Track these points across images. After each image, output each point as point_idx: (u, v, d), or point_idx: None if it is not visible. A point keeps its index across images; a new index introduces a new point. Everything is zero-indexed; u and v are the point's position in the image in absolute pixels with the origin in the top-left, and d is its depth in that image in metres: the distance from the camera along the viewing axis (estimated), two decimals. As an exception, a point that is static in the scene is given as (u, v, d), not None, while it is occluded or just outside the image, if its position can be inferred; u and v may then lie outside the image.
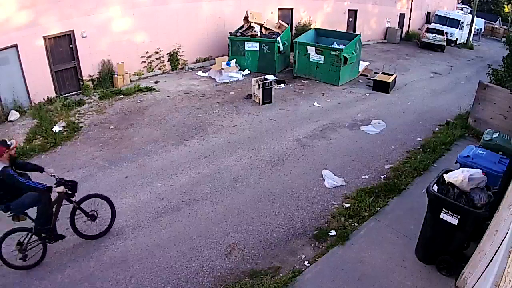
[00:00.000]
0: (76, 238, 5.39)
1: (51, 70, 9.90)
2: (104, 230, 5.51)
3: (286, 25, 14.19)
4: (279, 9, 16.34)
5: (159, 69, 12.77)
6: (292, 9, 16.94)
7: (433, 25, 23.20)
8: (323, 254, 5.19)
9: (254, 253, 5.22)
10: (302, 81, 12.82)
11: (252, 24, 13.37)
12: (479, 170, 4.73)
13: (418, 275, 4.80)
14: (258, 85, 10.45)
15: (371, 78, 13.11)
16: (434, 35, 21.31)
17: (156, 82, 11.81)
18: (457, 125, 9.50)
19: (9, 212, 4.72)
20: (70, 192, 4.92)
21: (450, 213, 4.50)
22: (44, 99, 9.64)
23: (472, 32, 26.70)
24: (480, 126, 9.07)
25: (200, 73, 13.01)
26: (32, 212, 4.87)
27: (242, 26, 13.56)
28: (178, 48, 12.99)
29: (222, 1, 14.11)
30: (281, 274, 4.84)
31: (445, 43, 21.51)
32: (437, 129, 9.52)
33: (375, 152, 8.17)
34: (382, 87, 12.37)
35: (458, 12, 27.40)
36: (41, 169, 4.99)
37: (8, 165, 4.48)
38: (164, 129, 8.81)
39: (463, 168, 4.86)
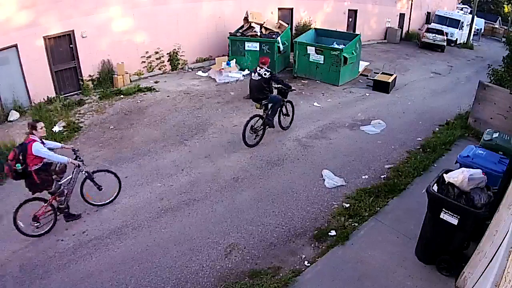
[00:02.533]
0: (77, 238, 5.40)
1: (51, 70, 9.90)
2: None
3: (286, 25, 14.19)
4: (279, 9, 16.33)
5: (159, 69, 12.77)
6: (292, 9, 16.94)
7: (433, 25, 23.19)
8: (323, 254, 5.19)
9: (254, 253, 5.23)
10: (302, 81, 12.81)
11: (252, 24, 13.36)
12: (479, 170, 4.74)
13: (418, 275, 4.80)
14: (258, 85, 10.47)
15: (371, 78, 13.11)
16: (434, 35, 21.30)
17: (156, 82, 11.81)
18: (457, 125, 9.49)
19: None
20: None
21: (450, 213, 4.50)
22: (44, 99, 9.64)
23: (472, 32, 26.69)
24: (480, 126, 9.07)
25: (200, 73, 13.01)
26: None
27: (242, 26, 13.56)
28: (178, 48, 12.99)
29: (222, 1, 14.11)
30: (281, 274, 4.84)
31: (445, 43, 21.50)
32: (437, 129, 9.51)
33: (375, 152, 8.17)
34: (382, 87, 12.37)
35: (458, 12, 27.40)
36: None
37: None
38: (164, 129, 8.81)
39: (463, 168, 4.86)
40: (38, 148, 5.08)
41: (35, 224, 5.37)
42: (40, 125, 5.26)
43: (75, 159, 5.59)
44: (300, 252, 5.28)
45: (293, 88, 8.65)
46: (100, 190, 5.95)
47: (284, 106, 8.58)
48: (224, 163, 7.46)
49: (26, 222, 5.31)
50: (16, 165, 5.04)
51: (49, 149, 5.29)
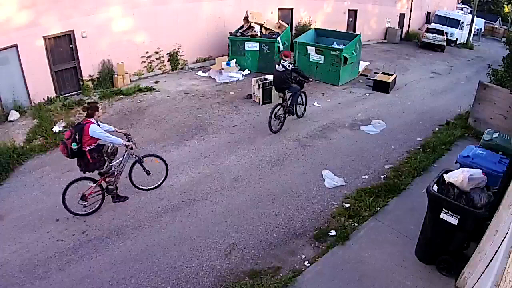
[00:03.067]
0: (77, 238, 5.40)
1: (51, 70, 9.90)
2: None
3: (286, 25, 14.18)
4: (279, 9, 16.33)
5: (159, 69, 12.77)
6: (292, 9, 16.94)
7: (433, 25, 23.19)
8: (323, 254, 5.19)
9: (254, 253, 5.23)
10: (302, 81, 12.81)
11: (252, 24, 13.37)
12: (479, 170, 4.73)
13: (418, 275, 4.80)
14: (258, 85, 10.45)
15: (371, 78, 13.10)
16: (434, 35, 21.30)
17: (156, 82, 11.81)
18: (457, 125, 9.50)
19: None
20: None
21: (450, 213, 4.50)
22: (44, 99, 9.64)
23: (472, 32, 26.69)
24: (480, 126, 9.07)
25: (200, 73, 13.01)
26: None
27: (242, 26, 13.56)
28: (178, 48, 12.99)
29: (222, 1, 14.11)
30: (281, 274, 4.84)
31: (445, 43, 21.49)
32: (437, 129, 9.51)
33: (375, 152, 8.17)
34: (382, 87, 12.36)
35: (458, 12, 27.40)
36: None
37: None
38: (164, 129, 8.81)
39: (463, 168, 4.86)
40: (94, 130, 5.38)
41: (83, 203, 5.68)
42: (99, 108, 5.64)
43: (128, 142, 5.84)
44: (300, 252, 5.27)
45: (310, 79, 9.29)
46: (148, 174, 6.23)
47: (300, 96, 9.25)
48: (224, 163, 7.46)
49: (74, 201, 5.60)
50: (72, 144, 5.31)
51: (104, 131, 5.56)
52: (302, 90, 9.19)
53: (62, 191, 5.55)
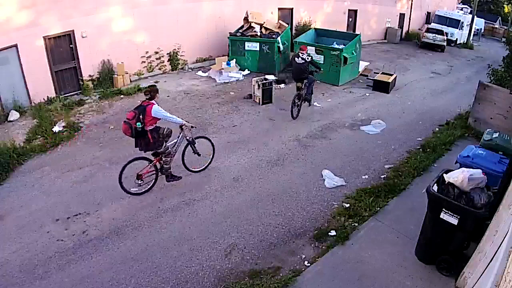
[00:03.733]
0: (77, 238, 5.40)
1: (51, 70, 9.90)
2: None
3: (286, 25, 14.18)
4: (279, 9, 16.33)
5: (159, 69, 12.77)
6: (292, 9, 16.94)
7: (433, 25, 23.18)
8: (323, 254, 5.19)
9: (254, 253, 5.23)
10: (302, 81, 12.80)
11: (252, 24, 13.37)
12: (479, 170, 4.73)
13: (418, 275, 4.80)
14: (258, 85, 10.45)
15: (371, 78, 13.11)
16: (434, 35, 21.30)
17: (156, 82, 11.78)
18: (457, 125, 9.50)
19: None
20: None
21: (450, 213, 4.50)
22: (44, 99, 9.64)
23: (472, 32, 26.69)
24: (480, 126, 9.07)
25: (200, 73, 13.01)
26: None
27: (242, 26, 13.56)
28: (178, 48, 12.99)
29: (222, 1, 14.11)
30: (281, 274, 4.84)
31: (445, 43, 21.49)
32: (437, 129, 9.52)
33: (375, 152, 8.17)
34: (382, 87, 12.36)
35: (458, 12, 27.40)
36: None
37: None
38: (164, 129, 8.81)
39: (463, 168, 4.86)
40: (157, 110, 5.85)
41: (139, 182, 6.15)
42: (158, 90, 6.14)
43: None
44: (300, 252, 5.27)
45: (321, 70, 10.23)
46: (199, 156, 6.75)
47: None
48: (224, 163, 7.46)
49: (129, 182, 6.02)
50: (137, 123, 5.75)
51: None
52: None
53: (119, 171, 5.93)
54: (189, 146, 6.62)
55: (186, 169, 6.73)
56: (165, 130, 6.18)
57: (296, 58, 9.51)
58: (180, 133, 6.46)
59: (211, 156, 7.06)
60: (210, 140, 7.02)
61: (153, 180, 6.35)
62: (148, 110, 5.80)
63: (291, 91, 11.85)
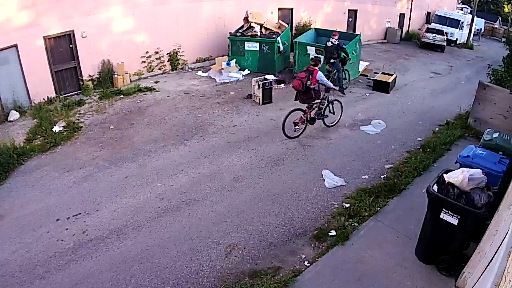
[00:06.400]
0: (77, 238, 5.40)
1: (51, 70, 9.90)
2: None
3: (286, 25, 14.18)
4: (279, 9, 16.33)
5: (159, 69, 12.77)
6: (292, 9, 16.93)
7: (433, 25, 23.17)
8: (323, 254, 5.19)
9: (254, 253, 5.23)
10: (302, 81, 12.80)
11: (252, 24, 13.35)
12: (479, 170, 4.73)
13: (418, 275, 4.80)
14: (258, 85, 10.45)
15: (371, 78, 13.10)
16: (434, 35, 21.29)
17: (156, 82, 11.81)
18: (457, 125, 9.49)
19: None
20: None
21: (450, 213, 4.50)
22: (44, 99, 9.64)
23: (472, 32, 26.69)
24: (480, 126, 9.06)
25: (200, 73, 13.00)
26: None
27: (242, 26, 13.55)
28: (178, 48, 12.98)
29: (222, 1, 14.11)
30: (281, 274, 4.84)
31: (445, 43, 21.48)
32: (437, 129, 9.51)
33: (375, 152, 8.17)
34: (382, 87, 12.35)
35: (458, 12, 27.40)
36: None
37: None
38: (164, 129, 8.81)
39: (463, 168, 4.86)
40: (320, 75, 8.11)
41: (295, 128, 8.36)
42: (321, 60, 8.95)
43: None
44: (300, 252, 5.27)
45: (349, 57, 11.86)
46: (334, 114, 9.11)
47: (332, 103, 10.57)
48: (224, 163, 7.46)
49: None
50: (307, 82, 7.94)
51: None
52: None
53: (283, 119, 8.14)
54: (329, 105, 8.87)
55: (323, 122, 8.96)
56: (320, 90, 8.58)
57: (328, 42, 11.36)
58: (326, 93, 8.72)
59: (339, 115, 9.29)
60: (340, 103, 9.30)
61: (303, 129, 8.48)
62: (314, 74, 7.96)
63: (292, 91, 11.87)
